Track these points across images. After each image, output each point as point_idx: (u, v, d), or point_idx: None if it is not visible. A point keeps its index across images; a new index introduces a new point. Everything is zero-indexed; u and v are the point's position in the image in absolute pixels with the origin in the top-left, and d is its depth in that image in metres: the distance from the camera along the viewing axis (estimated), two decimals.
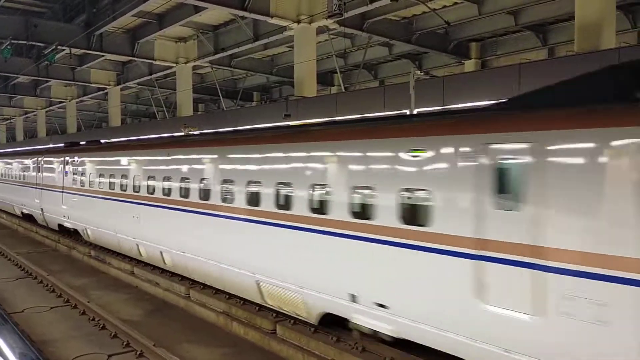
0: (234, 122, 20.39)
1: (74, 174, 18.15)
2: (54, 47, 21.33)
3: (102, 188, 15.89)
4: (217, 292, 11.38)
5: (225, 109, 30.15)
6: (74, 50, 22.99)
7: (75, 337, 9.49)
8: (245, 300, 10.55)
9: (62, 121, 45.78)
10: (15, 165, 26.72)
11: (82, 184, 17.34)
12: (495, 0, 18.40)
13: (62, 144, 22.75)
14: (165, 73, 27.93)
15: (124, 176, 14.47)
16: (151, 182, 13.12)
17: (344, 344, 8.23)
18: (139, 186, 13.67)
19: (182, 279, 12.67)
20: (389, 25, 20.47)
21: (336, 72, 23.56)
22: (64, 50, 22.24)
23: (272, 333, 9.32)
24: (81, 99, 38.48)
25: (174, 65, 25.81)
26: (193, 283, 12.24)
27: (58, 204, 19.50)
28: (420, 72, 15.05)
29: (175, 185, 12.11)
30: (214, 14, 20.78)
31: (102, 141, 20.71)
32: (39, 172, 22.18)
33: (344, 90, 23.54)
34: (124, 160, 14.82)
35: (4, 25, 21.08)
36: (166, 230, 12.60)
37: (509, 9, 18.78)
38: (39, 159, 22.47)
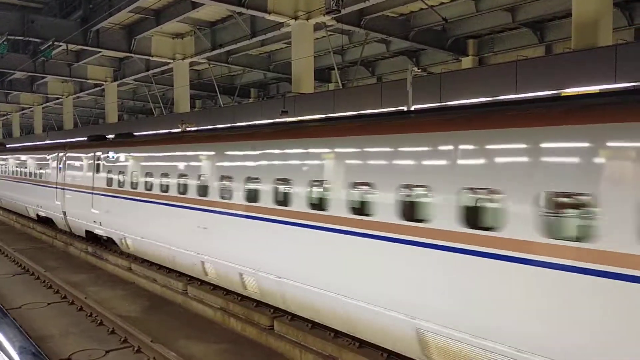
0: (231, 119, 20.37)
1: (108, 172, 15.37)
2: (51, 43, 21.24)
3: (150, 190, 13.03)
4: (214, 288, 11.38)
5: (222, 105, 30.08)
6: (70, 46, 22.88)
7: (73, 333, 9.50)
8: (242, 297, 10.57)
9: (58, 117, 45.64)
10: (30, 161, 23.35)
11: (121, 184, 14.52)
12: None
13: (86, 137, 19.70)
14: (162, 69, 27.83)
15: (185, 176, 11.70)
16: (228, 185, 10.32)
17: (342, 340, 8.26)
18: (209, 189, 10.78)
19: (180, 274, 12.65)
20: (387, 22, 20.45)
21: (334, 69, 23.53)
22: (60, 46, 22.15)
23: (269, 329, 9.35)
24: (78, 95, 38.33)
25: (171, 61, 25.73)
26: (191, 279, 12.22)
27: (86, 207, 16.65)
28: (418, 69, 15.08)
29: (265, 190, 9.30)
30: (211, 10, 20.72)
31: (138, 134, 17.99)
32: (60, 169, 19.13)
33: (341, 87, 23.52)
34: (183, 156, 12.05)
35: (0, 21, 20.97)
36: (254, 247, 9.64)
37: (506, 5, 18.76)
38: (61, 154, 19.35)
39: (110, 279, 13.90)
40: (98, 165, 16.12)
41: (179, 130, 18.59)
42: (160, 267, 13.50)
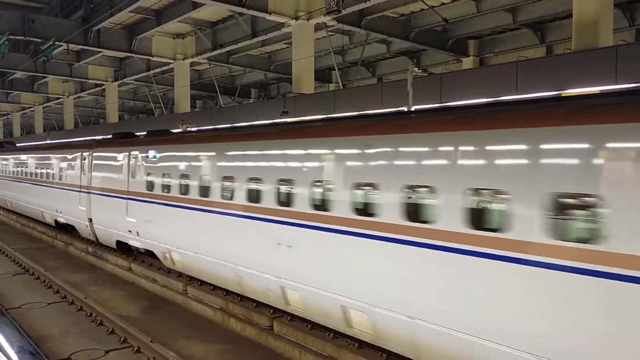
0: (232, 119, 20.37)
1: (149, 174, 13.18)
2: (52, 42, 21.25)
3: (208, 196, 10.73)
4: (214, 288, 11.38)
5: (222, 105, 30.09)
6: (71, 46, 22.91)
7: (73, 333, 9.50)
8: (242, 297, 10.56)
9: (59, 117, 45.67)
10: (47, 161, 21.03)
11: (168, 188, 12.26)
12: None
13: (111, 135, 17.69)
14: (163, 69, 27.85)
15: (257, 180, 9.47)
16: (324, 192, 8.16)
17: (341, 340, 8.26)
18: (295, 197, 8.59)
19: (180, 275, 12.63)
20: (387, 22, 20.45)
21: (334, 69, 23.53)
22: (61, 46, 22.17)
23: (269, 329, 9.35)
24: (78, 95, 38.36)
25: (172, 61, 25.74)
26: (190, 279, 12.22)
27: (119, 214, 14.47)
28: (418, 70, 15.08)
29: (390, 199, 7.01)
30: (211, 10, 20.72)
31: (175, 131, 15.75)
32: (85, 170, 16.87)
33: (342, 88, 23.52)
34: (254, 156, 9.75)
35: (1, 21, 20.97)
36: (375, 275, 7.24)
37: (507, 6, 18.76)
38: (85, 153, 17.06)
39: (110, 279, 13.90)
40: (134, 166, 13.91)
41: (245, 125, 15.45)
42: (160, 268, 13.47)
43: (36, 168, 22.23)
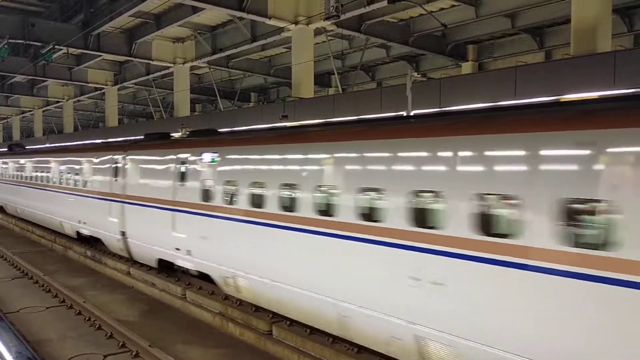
0: (232, 123, 20.39)
1: (204, 181, 10.85)
2: (51, 46, 21.30)
3: (296, 211, 8.50)
4: (213, 292, 11.36)
5: (222, 109, 30.13)
6: (71, 50, 22.99)
7: (71, 337, 9.48)
8: (240, 301, 10.55)
9: (59, 121, 45.72)
10: (68, 165, 18.76)
11: (232, 199, 9.95)
12: (492, 3, 18.45)
13: (143, 136, 15.61)
14: (163, 73, 27.92)
15: (377, 192, 7.24)
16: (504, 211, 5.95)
17: (340, 345, 8.25)
18: (446, 216, 6.32)
19: (178, 279, 12.61)
20: (387, 27, 20.52)
21: (334, 74, 23.58)
22: (61, 49, 22.24)
23: (268, 334, 9.33)
24: (78, 98, 38.45)
25: (172, 65, 25.80)
26: (189, 283, 12.19)
27: (163, 228, 12.20)
28: (417, 74, 15.09)
29: None
30: (211, 15, 20.79)
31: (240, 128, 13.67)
32: (118, 175, 14.64)
33: (341, 92, 23.56)
34: (383, 159, 7.31)
35: (1, 25, 21.04)
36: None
37: (506, 11, 18.83)
38: (117, 156, 14.84)
39: (109, 283, 13.88)
40: (184, 171, 11.66)
41: (352, 119, 12.99)
42: (159, 272, 13.42)
43: (53, 173, 20.06)
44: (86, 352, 8.71)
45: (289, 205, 8.68)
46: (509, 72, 12.87)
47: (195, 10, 19.04)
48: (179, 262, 11.98)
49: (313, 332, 8.78)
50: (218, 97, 28.78)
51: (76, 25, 22.73)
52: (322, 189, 8.19)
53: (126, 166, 14.27)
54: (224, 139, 11.49)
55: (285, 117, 16.88)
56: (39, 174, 21.75)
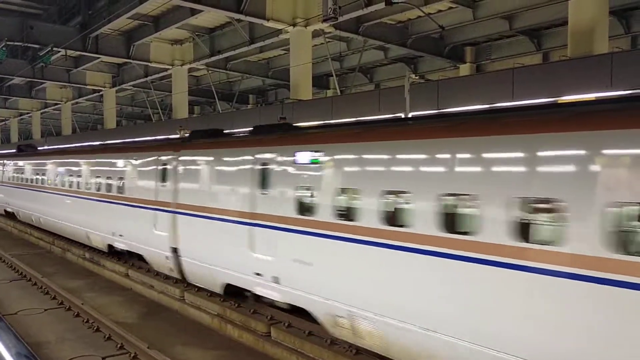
0: (230, 125, 20.41)
1: (299, 189, 8.65)
2: (50, 48, 21.31)
3: (461, 230, 6.29)
4: (211, 294, 11.36)
5: (220, 111, 30.15)
6: (69, 52, 22.96)
7: (69, 339, 9.47)
8: (239, 304, 10.54)
9: (57, 123, 45.68)
10: (97, 167, 16.46)
11: (349, 214, 7.68)
12: (489, 5, 18.50)
13: (188, 134, 13.63)
14: (161, 75, 27.94)
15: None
16: None
17: (338, 346, 8.26)
18: None
19: (177, 281, 12.60)
20: (385, 29, 20.56)
21: (332, 76, 23.62)
22: (59, 52, 22.22)
23: (266, 336, 9.33)
24: (76, 100, 38.44)
25: (170, 67, 25.81)
26: (187, 285, 12.20)
27: (235, 246, 10.00)
28: (415, 76, 15.13)
29: None
30: (210, 17, 20.81)
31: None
32: (167, 180, 12.42)
33: (339, 94, 23.60)
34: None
35: None
36: None
37: (504, 13, 18.88)
38: (166, 157, 12.61)
39: (107, 285, 13.86)
40: (265, 176, 9.36)
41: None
42: (157, 274, 13.37)
43: (78, 176, 17.63)
44: (84, 354, 8.70)
45: (460, 224, 6.39)
46: (506, 74, 12.92)
47: (193, 12, 19.08)
48: (260, 291, 9.57)
49: (311, 334, 8.79)
50: (216, 99, 28.79)
51: (74, 28, 22.77)
52: (518, 201, 5.61)
53: (179, 169, 11.99)
54: (328, 134, 9.15)
55: (283, 119, 16.89)
56: (61, 178, 19.19)
